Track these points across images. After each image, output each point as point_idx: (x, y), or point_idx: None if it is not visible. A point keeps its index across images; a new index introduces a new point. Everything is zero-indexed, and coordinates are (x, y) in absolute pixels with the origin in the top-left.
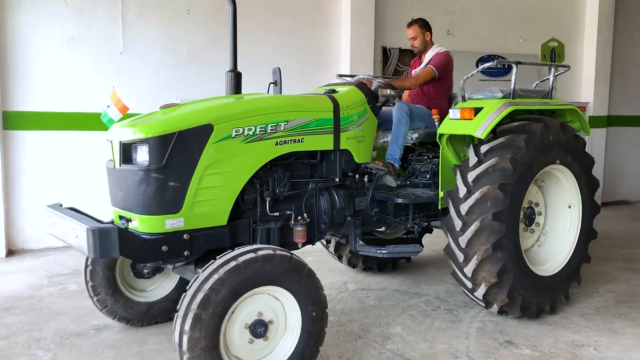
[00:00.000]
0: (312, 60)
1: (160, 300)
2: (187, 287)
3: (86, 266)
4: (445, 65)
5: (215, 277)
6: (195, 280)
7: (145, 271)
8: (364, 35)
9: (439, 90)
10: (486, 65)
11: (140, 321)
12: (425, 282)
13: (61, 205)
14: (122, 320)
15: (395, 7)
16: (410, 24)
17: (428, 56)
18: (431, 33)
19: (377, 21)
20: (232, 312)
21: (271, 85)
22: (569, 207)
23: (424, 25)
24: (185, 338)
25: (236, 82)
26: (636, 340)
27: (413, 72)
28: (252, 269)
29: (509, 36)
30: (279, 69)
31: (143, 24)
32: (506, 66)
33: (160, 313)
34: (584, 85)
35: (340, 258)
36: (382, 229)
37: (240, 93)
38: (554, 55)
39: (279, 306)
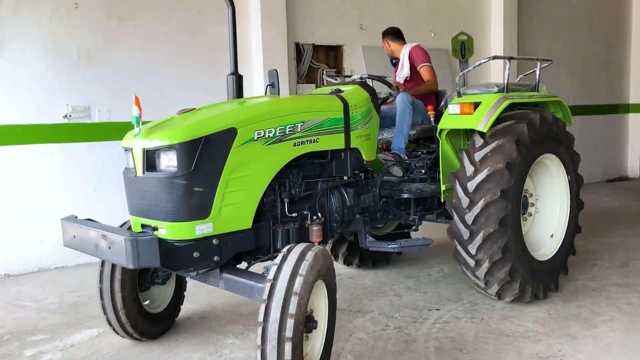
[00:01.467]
0: (220, 58)
1: (165, 310)
2: (264, 298)
3: (112, 280)
4: (427, 55)
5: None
6: (269, 295)
7: (158, 280)
8: (276, 31)
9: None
10: (483, 61)
11: (155, 333)
12: (366, 296)
13: (76, 217)
14: (138, 332)
15: (307, 2)
16: (383, 36)
17: (403, 55)
18: (394, 39)
19: (288, 16)
20: None
21: (268, 87)
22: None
23: (384, 34)
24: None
25: (238, 84)
26: (597, 345)
27: (398, 77)
28: (319, 266)
29: (420, 30)
30: (276, 71)
31: (21, 19)
32: None
33: (164, 321)
34: (493, 78)
35: (336, 258)
36: (380, 226)
37: (242, 96)
38: (464, 48)
39: (312, 295)
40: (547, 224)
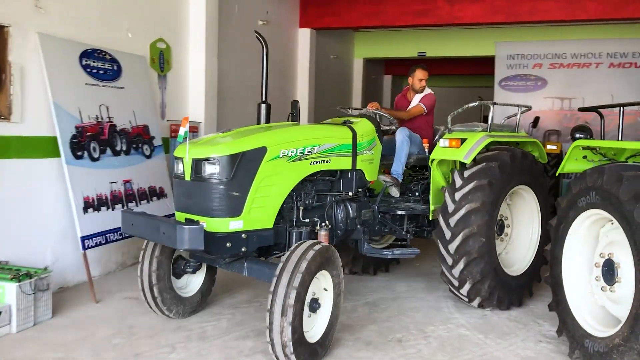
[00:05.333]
0: None
1: (194, 295)
2: (275, 274)
3: (151, 261)
4: (432, 104)
5: (305, 262)
6: (279, 272)
7: (190, 269)
8: None
9: (427, 125)
10: (470, 105)
11: (183, 313)
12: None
13: (132, 210)
14: (170, 312)
15: None
16: (425, 68)
17: (419, 97)
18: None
19: None
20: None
21: (290, 115)
22: (531, 221)
23: (426, 68)
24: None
25: (267, 112)
26: None
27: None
28: (321, 258)
29: (116, 27)
30: (297, 101)
31: None
32: (115, 68)
33: (191, 305)
34: (191, 100)
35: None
36: (376, 238)
37: (269, 122)
38: (162, 59)
39: (317, 282)
40: (520, 246)
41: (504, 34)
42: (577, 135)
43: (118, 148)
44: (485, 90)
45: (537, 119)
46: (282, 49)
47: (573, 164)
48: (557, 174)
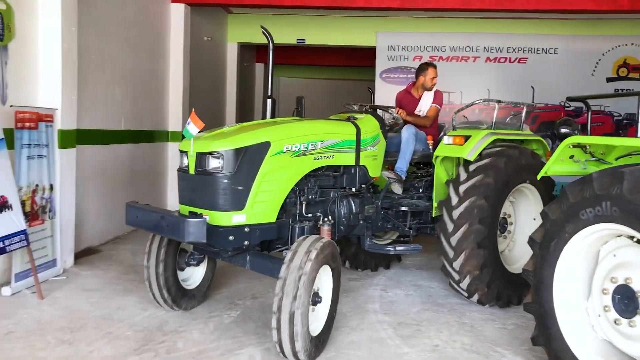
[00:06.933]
0: None
1: (197, 287)
2: (280, 276)
3: (158, 252)
4: (442, 102)
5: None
6: (285, 274)
7: (194, 262)
8: None
9: (434, 122)
10: (477, 101)
11: (188, 305)
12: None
13: (137, 202)
14: (177, 305)
15: None
16: (435, 67)
17: (429, 95)
18: None
19: None
20: None
21: (295, 110)
22: (534, 219)
23: (435, 67)
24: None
25: (272, 107)
26: None
27: (416, 110)
28: (325, 253)
29: None
30: (303, 97)
31: None
32: None
33: (196, 297)
34: (43, 80)
35: (344, 262)
36: (379, 234)
37: (275, 117)
38: (2, 24)
39: (319, 276)
40: (523, 244)
41: (386, 24)
42: (563, 131)
43: None
44: (369, 84)
45: None
46: (152, 24)
47: (559, 165)
48: (538, 177)
